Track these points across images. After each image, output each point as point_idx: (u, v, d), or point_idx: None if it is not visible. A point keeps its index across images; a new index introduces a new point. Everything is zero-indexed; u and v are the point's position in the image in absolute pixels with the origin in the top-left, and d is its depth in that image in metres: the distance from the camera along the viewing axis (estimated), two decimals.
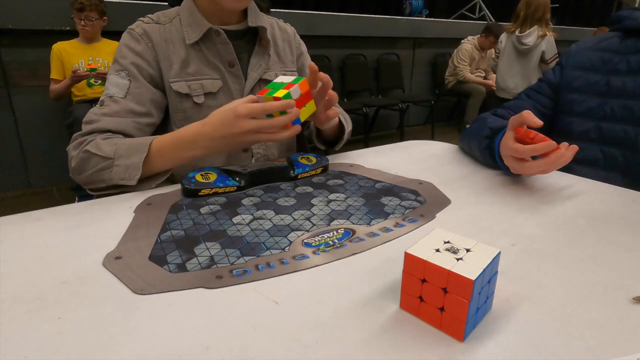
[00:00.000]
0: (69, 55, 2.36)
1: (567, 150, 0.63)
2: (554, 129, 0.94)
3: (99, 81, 2.37)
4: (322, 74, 0.69)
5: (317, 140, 0.91)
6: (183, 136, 0.70)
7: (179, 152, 0.69)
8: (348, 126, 0.92)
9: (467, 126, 0.78)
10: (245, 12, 0.87)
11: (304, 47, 0.99)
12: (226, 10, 0.81)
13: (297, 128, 0.67)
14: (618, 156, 0.82)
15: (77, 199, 2.40)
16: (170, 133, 0.71)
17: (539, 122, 0.63)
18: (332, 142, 0.92)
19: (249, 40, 0.88)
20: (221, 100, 0.84)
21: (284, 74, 0.90)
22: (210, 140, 0.68)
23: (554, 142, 0.61)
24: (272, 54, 0.90)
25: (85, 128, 0.73)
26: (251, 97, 0.68)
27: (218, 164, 0.86)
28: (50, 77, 2.37)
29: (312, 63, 0.72)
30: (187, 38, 0.81)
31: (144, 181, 0.70)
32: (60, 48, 2.35)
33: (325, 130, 0.86)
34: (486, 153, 0.76)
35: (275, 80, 0.69)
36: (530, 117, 0.64)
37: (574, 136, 0.89)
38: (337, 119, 0.84)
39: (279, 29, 0.94)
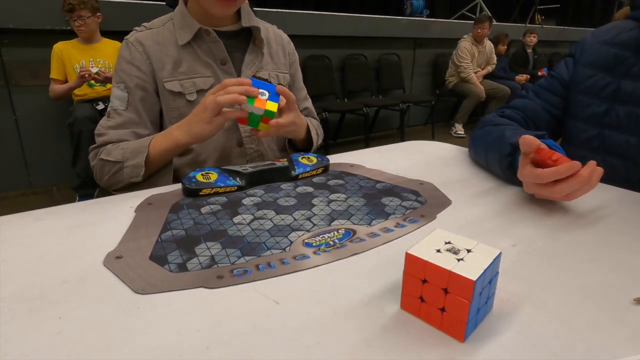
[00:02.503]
0: (70, 56, 2.36)
1: (594, 173, 0.55)
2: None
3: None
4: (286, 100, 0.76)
5: (289, 147, 1.00)
6: (169, 128, 0.78)
7: (167, 141, 0.77)
8: (319, 139, 0.99)
9: (474, 131, 0.76)
10: (238, 14, 0.89)
11: (297, 57, 1.02)
12: (215, 16, 0.83)
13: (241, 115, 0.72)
14: (619, 168, 0.78)
15: (77, 198, 2.40)
16: (162, 131, 0.80)
17: (534, 145, 0.58)
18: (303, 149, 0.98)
19: (243, 40, 0.91)
20: None
21: (277, 75, 0.95)
22: (187, 122, 0.75)
23: (578, 162, 0.54)
24: (265, 54, 0.92)
25: (97, 140, 0.83)
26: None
27: (213, 160, 0.88)
28: (50, 76, 2.37)
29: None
30: (180, 39, 0.84)
31: (154, 178, 0.79)
32: (61, 48, 2.35)
33: (295, 141, 0.95)
34: (509, 173, 0.68)
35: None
36: (528, 141, 0.58)
37: (576, 143, 0.84)
38: (302, 131, 0.90)
39: (274, 33, 0.98)
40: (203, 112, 0.72)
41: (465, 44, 4.27)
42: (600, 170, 0.56)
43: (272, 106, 0.70)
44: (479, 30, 4.20)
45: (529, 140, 0.59)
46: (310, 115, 1.05)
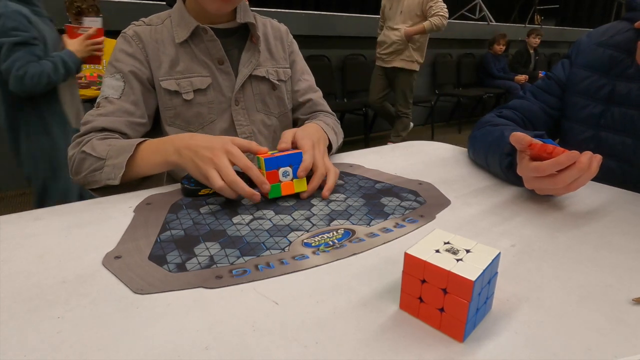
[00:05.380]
0: None
1: (594, 161, 0.55)
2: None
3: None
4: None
5: None
6: (167, 138, 0.70)
7: (157, 155, 0.68)
8: (339, 139, 0.90)
9: (474, 132, 0.75)
10: (235, 11, 0.88)
11: (295, 46, 1.00)
12: (211, 13, 0.82)
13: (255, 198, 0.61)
14: (615, 169, 0.78)
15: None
16: (157, 138, 0.71)
17: (526, 141, 0.58)
18: None
19: (240, 37, 0.89)
20: (211, 97, 0.85)
21: (276, 71, 0.92)
22: (186, 145, 0.64)
23: (576, 151, 0.54)
24: (263, 51, 0.91)
25: (82, 129, 0.76)
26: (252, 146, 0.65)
27: None
28: None
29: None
30: (177, 37, 0.83)
31: (137, 185, 0.72)
32: None
33: None
34: (510, 173, 0.68)
35: (282, 153, 0.64)
36: (518, 138, 0.59)
37: (571, 144, 0.84)
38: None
39: (272, 27, 0.95)
40: (203, 150, 0.61)
41: None
42: (599, 157, 0.56)
43: (301, 186, 0.64)
44: None
45: (519, 137, 0.59)
46: (316, 109, 0.99)
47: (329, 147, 0.84)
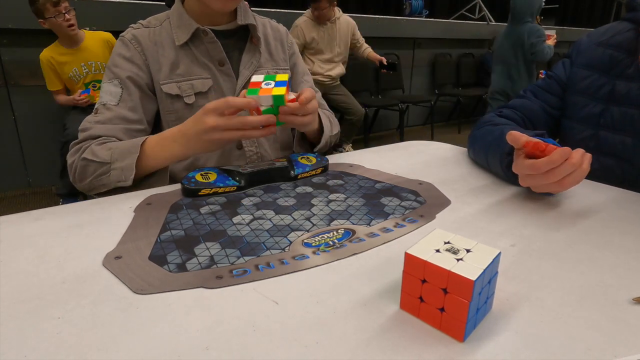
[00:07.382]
0: (61, 65, 2.27)
1: (585, 159, 0.57)
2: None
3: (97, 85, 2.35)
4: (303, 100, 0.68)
5: (298, 145, 0.89)
6: (165, 136, 0.72)
7: (163, 151, 0.72)
8: (333, 129, 0.92)
9: (474, 131, 0.76)
10: (235, 12, 0.87)
11: (296, 48, 1.00)
12: (214, 11, 0.82)
13: (271, 129, 0.67)
14: (615, 168, 0.78)
15: (60, 201, 2.38)
16: (157, 134, 0.74)
17: (521, 141, 0.59)
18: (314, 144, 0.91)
19: (240, 38, 0.89)
20: (212, 99, 0.84)
21: (276, 72, 0.92)
22: (187, 139, 0.69)
23: (568, 148, 0.55)
24: (263, 52, 0.90)
25: (80, 136, 0.76)
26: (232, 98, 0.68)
27: (212, 163, 0.86)
28: (48, 88, 2.31)
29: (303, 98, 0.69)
30: (177, 39, 0.83)
31: (142, 182, 0.73)
32: (49, 57, 2.24)
33: (307, 133, 0.88)
34: (510, 172, 0.66)
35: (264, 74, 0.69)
36: (514, 137, 0.60)
37: (571, 143, 0.84)
38: (316, 123, 0.83)
39: (271, 28, 0.95)
40: (204, 134, 0.66)
41: (302, 23, 3.05)
42: (589, 156, 0.57)
43: (279, 90, 0.65)
44: (315, 12, 3.00)
45: (515, 136, 0.60)
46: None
47: (321, 135, 0.87)
